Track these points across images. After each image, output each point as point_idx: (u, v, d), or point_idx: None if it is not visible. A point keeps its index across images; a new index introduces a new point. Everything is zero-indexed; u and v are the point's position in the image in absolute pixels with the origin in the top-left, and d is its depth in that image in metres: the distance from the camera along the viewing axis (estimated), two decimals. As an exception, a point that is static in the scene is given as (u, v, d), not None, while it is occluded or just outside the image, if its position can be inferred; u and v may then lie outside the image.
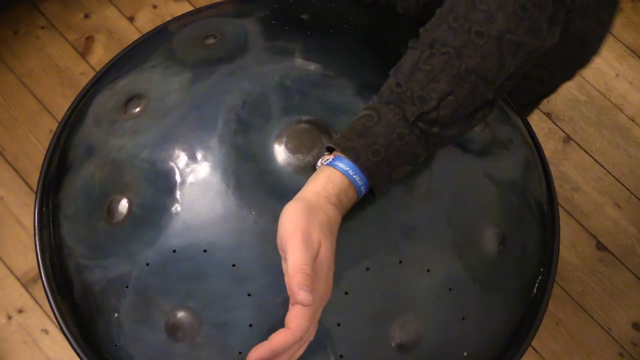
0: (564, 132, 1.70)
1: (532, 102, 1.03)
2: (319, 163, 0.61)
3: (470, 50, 0.58)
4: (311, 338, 0.58)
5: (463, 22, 0.58)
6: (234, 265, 0.61)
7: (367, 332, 0.63)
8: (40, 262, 0.69)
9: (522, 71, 0.61)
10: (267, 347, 0.54)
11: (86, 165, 0.71)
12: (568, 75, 0.98)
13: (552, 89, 1.00)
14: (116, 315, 0.64)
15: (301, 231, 0.54)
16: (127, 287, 0.64)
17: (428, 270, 0.64)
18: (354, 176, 0.58)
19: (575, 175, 1.65)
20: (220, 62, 0.72)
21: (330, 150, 0.61)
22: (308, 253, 0.53)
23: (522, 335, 0.70)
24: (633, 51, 1.80)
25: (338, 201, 0.58)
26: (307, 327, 0.54)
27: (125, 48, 0.83)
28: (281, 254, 0.57)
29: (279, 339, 0.54)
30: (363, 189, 0.59)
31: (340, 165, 0.58)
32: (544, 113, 1.71)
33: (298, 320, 0.54)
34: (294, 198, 0.58)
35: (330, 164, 0.59)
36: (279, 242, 0.56)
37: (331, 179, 0.58)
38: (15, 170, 1.55)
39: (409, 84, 0.59)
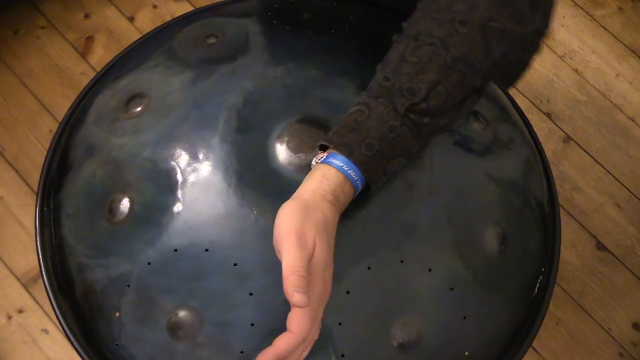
0: (564, 132, 1.70)
1: (510, 84, 1.03)
2: (313, 162, 0.61)
3: (456, 40, 0.58)
4: (315, 337, 0.57)
5: (446, 13, 0.58)
6: (235, 265, 0.61)
7: (369, 332, 0.63)
8: (41, 261, 0.69)
9: (508, 57, 0.62)
10: (272, 353, 0.54)
11: (87, 164, 0.71)
12: (537, 49, 0.98)
13: (526, 66, 1.00)
14: (117, 314, 0.64)
15: (295, 232, 0.54)
16: (128, 286, 0.64)
17: (429, 270, 0.64)
18: (349, 171, 0.58)
19: (575, 175, 1.65)
20: (221, 62, 0.72)
21: (323, 148, 0.61)
22: (302, 254, 0.53)
23: (523, 335, 0.70)
24: (633, 51, 1.80)
25: (334, 198, 0.58)
26: (309, 328, 0.54)
27: (126, 48, 0.83)
28: (277, 255, 0.57)
29: (282, 343, 0.54)
30: (359, 184, 0.59)
31: (335, 161, 0.58)
32: (544, 113, 1.71)
33: (298, 323, 0.54)
34: (290, 198, 0.58)
35: (324, 162, 0.59)
36: (274, 243, 0.56)
37: (326, 176, 0.58)
38: (15, 170, 1.55)
39: (397, 76, 0.59)
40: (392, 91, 0.59)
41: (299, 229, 0.54)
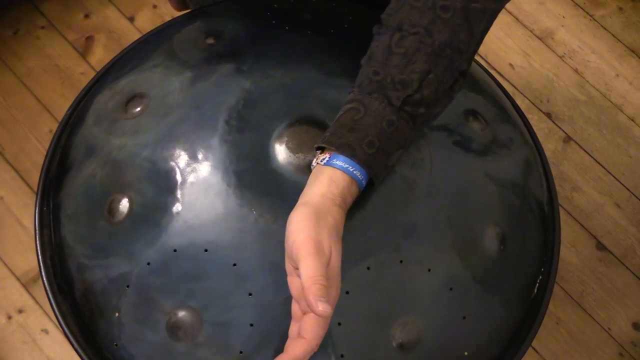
0: (564, 132, 1.70)
1: None
2: (313, 163, 0.61)
3: (439, 26, 0.58)
4: (320, 342, 0.57)
5: (426, 0, 0.58)
6: (234, 265, 0.61)
7: (368, 332, 0.63)
8: (41, 261, 0.69)
9: (484, 34, 0.62)
10: (286, 359, 0.54)
11: (87, 164, 0.71)
12: None
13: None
14: (117, 314, 0.64)
15: (312, 240, 0.53)
16: (128, 286, 0.64)
17: (429, 270, 0.64)
18: (354, 172, 0.58)
19: (575, 175, 1.65)
20: (220, 62, 0.72)
21: (321, 149, 0.61)
22: (321, 262, 0.53)
23: (522, 335, 0.70)
24: (633, 51, 1.80)
25: (342, 201, 0.57)
26: (323, 335, 0.54)
27: (125, 48, 0.83)
28: (290, 262, 0.56)
29: (296, 350, 0.53)
30: (364, 182, 0.59)
31: (339, 163, 0.58)
32: (544, 113, 1.71)
33: (314, 329, 0.53)
34: (298, 203, 0.57)
35: (328, 164, 0.58)
36: (288, 251, 0.56)
37: (333, 179, 0.57)
38: (15, 170, 1.55)
39: (386, 70, 0.58)
40: (385, 85, 0.58)
41: (315, 237, 0.54)
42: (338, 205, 0.57)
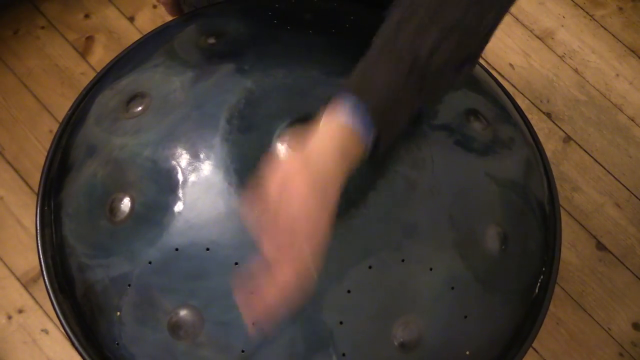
0: (564, 132, 1.70)
1: None
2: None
3: (451, 5, 0.58)
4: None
5: None
6: (236, 264, 0.61)
7: (370, 331, 0.63)
8: (42, 261, 0.69)
9: (493, 26, 0.61)
10: None
11: (88, 164, 0.71)
12: None
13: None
14: (118, 314, 0.64)
15: None
16: (129, 285, 0.64)
17: (430, 269, 0.64)
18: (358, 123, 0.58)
19: (575, 175, 1.65)
20: (222, 61, 0.72)
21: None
22: None
23: (524, 334, 0.70)
24: (633, 51, 1.80)
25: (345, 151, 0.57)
26: None
27: (126, 48, 0.83)
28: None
29: None
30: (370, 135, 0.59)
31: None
32: (544, 113, 1.71)
33: None
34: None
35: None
36: None
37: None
38: (15, 170, 1.55)
39: (397, 41, 0.58)
40: (394, 51, 0.58)
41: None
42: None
